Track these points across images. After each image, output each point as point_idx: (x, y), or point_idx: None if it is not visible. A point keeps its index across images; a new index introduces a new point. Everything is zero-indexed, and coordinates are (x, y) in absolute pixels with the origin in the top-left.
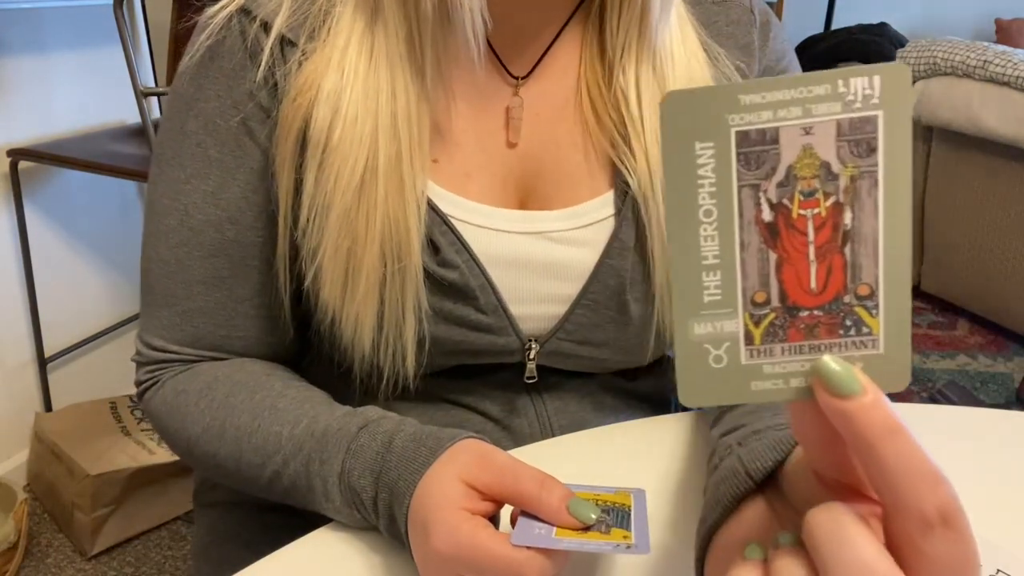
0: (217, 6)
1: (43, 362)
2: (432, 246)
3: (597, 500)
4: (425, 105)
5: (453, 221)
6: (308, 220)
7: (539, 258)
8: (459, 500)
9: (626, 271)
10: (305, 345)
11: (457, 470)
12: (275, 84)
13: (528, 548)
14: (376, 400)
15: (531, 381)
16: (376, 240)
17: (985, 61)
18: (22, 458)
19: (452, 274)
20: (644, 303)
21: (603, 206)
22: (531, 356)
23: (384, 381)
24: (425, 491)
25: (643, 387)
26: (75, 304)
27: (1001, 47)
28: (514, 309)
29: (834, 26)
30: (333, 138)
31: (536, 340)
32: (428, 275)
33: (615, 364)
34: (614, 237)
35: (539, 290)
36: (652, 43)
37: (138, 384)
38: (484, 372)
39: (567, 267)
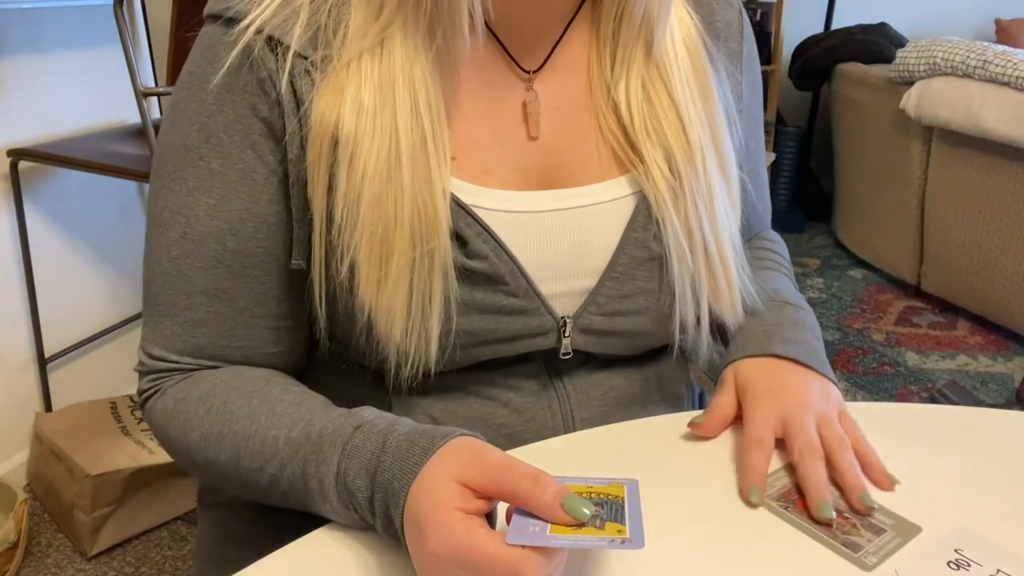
0: (215, 22)
1: (43, 362)
2: (459, 239)
3: (590, 493)
4: (442, 96)
5: (477, 211)
6: (343, 216)
7: (566, 234)
8: (453, 500)
9: (650, 242)
10: (314, 354)
11: (450, 470)
12: (282, 99)
13: (524, 547)
14: (403, 396)
15: (567, 357)
16: (406, 224)
17: (985, 61)
18: (22, 458)
19: (481, 264)
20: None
21: (626, 184)
22: (566, 333)
23: (411, 367)
24: (419, 492)
25: (662, 379)
26: (75, 304)
27: (1001, 47)
28: (544, 289)
29: (834, 26)
30: (359, 132)
31: (569, 318)
32: (457, 268)
33: (646, 340)
34: (637, 211)
35: (568, 267)
36: (651, 51)
37: (140, 393)
38: (510, 364)
39: (594, 240)
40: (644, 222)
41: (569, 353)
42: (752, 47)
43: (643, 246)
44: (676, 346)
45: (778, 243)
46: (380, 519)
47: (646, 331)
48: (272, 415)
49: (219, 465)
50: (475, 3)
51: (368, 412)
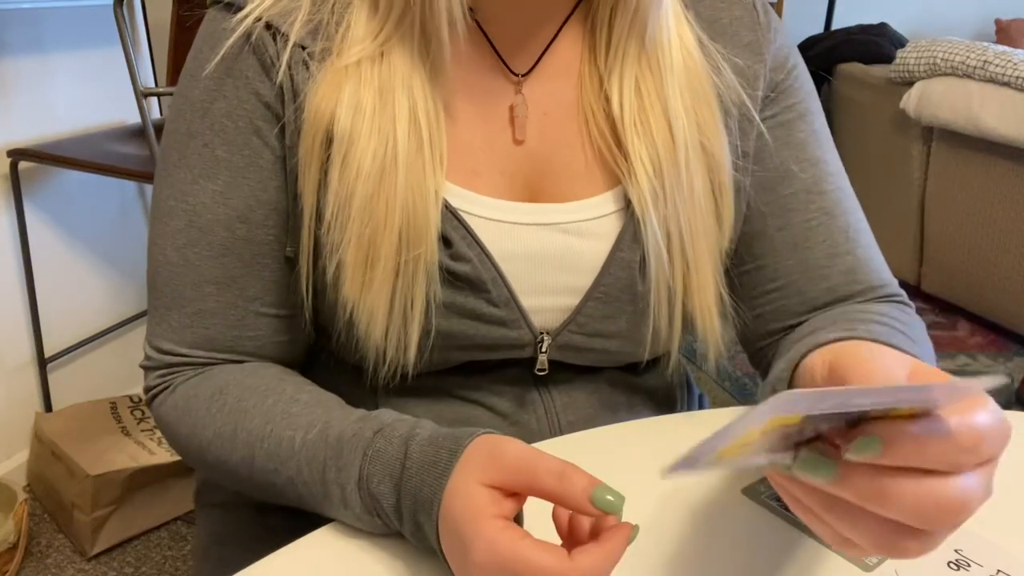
0: (218, 8)
1: (43, 362)
2: (445, 241)
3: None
4: (440, 102)
5: (464, 216)
6: (333, 214)
7: (551, 250)
8: (488, 508)
9: (635, 263)
10: (311, 348)
11: (477, 475)
12: (282, 86)
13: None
14: (381, 395)
15: (542, 374)
16: (395, 228)
17: (985, 61)
18: (22, 458)
19: (464, 267)
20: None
21: (612, 200)
22: (543, 349)
23: (388, 367)
24: (453, 501)
25: (649, 382)
26: (75, 304)
27: (1001, 47)
28: (526, 302)
29: (834, 26)
30: (354, 131)
31: (548, 333)
32: (442, 269)
33: (624, 357)
34: (624, 229)
35: (551, 282)
36: (644, 45)
37: (148, 390)
38: (493, 368)
39: (579, 259)
40: (631, 242)
41: (544, 369)
42: (781, 37)
43: (628, 267)
44: (646, 353)
45: (895, 318)
46: (408, 524)
47: (624, 351)
48: (288, 415)
49: (232, 465)
50: (453, 5)
51: (387, 415)
